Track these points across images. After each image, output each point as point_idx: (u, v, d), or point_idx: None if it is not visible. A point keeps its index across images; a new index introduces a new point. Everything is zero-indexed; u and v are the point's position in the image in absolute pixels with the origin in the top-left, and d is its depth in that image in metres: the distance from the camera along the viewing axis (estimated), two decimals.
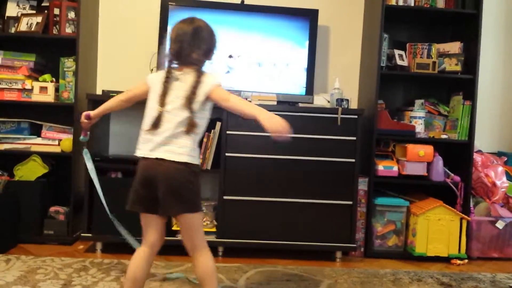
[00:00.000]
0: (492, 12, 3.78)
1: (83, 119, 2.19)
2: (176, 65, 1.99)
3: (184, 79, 1.95)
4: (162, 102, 1.91)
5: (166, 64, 2.01)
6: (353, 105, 3.63)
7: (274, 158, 3.02)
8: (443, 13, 3.43)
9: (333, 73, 3.66)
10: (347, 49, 3.72)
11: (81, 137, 2.27)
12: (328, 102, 3.32)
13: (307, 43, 3.39)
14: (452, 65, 3.35)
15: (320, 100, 3.34)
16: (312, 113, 3.04)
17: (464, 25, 3.46)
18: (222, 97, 1.94)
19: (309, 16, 3.39)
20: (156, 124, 1.89)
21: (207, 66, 2.02)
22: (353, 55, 3.72)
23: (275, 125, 1.83)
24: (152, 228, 2.00)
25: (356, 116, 3.06)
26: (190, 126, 1.90)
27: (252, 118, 1.92)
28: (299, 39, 3.39)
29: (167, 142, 1.88)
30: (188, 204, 1.92)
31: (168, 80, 1.94)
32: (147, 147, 1.90)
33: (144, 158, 1.91)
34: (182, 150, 1.88)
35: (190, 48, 1.95)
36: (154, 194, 1.90)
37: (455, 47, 3.43)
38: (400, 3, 3.33)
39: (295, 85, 3.39)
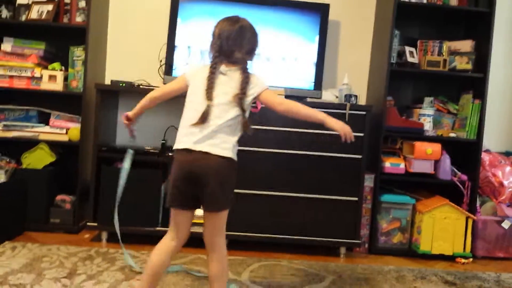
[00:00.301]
0: (505, 11, 3.73)
1: (124, 120, 2.18)
2: (219, 61, 1.96)
3: (231, 75, 1.94)
4: (210, 96, 1.89)
5: (210, 59, 1.99)
6: (362, 101, 3.61)
7: (281, 152, 3.02)
8: (455, 10, 3.40)
9: (342, 69, 3.64)
10: (357, 44, 3.70)
11: (130, 138, 2.27)
12: (337, 97, 3.31)
13: (317, 37, 3.36)
14: (463, 63, 3.32)
15: (328, 96, 3.33)
16: (320, 108, 2.99)
17: (477, 23, 3.43)
18: (276, 100, 1.98)
19: (320, 11, 3.36)
20: (204, 118, 1.86)
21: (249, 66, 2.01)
22: (363, 50, 3.70)
23: (342, 126, 1.98)
24: (184, 224, 1.97)
25: (364, 113, 3.05)
26: (244, 126, 1.93)
27: (313, 121, 2.00)
28: (309, 33, 3.37)
29: (213, 136, 1.86)
30: (227, 201, 1.93)
31: (214, 75, 1.93)
32: (191, 139, 1.86)
33: (186, 150, 1.86)
34: (227, 146, 1.88)
35: (233, 46, 1.95)
36: (196, 189, 1.87)
37: (466, 45, 3.40)
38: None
39: (304, 80, 3.37)
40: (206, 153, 1.84)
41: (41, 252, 2.71)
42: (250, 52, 2.01)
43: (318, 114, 2.00)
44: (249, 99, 1.93)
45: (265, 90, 1.98)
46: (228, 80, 1.93)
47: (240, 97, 1.90)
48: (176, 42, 3.29)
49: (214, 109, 1.87)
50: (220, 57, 1.96)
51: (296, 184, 3.04)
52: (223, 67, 1.95)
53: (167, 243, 1.97)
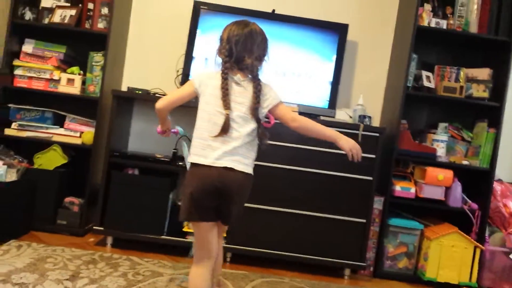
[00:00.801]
0: None
1: (161, 135, 2.20)
2: (229, 67, 1.91)
3: (245, 85, 1.91)
4: (228, 107, 1.84)
5: (219, 65, 1.93)
6: (376, 122, 3.60)
7: (290, 168, 3.01)
8: (475, 38, 3.38)
9: (358, 89, 3.64)
10: (374, 65, 3.70)
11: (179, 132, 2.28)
12: (350, 117, 3.31)
13: (334, 57, 3.37)
14: (479, 91, 3.30)
15: (342, 115, 3.33)
16: (333, 127, 3.01)
17: (495, 51, 3.41)
18: (289, 116, 1.95)
19: (339, 31, 3.38)
20: (225, 130, 1.82)
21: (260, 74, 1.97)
22: (379, 72, 3.69)
23: (352, 146, 1.95)
24: (214, 237, 1.93)
25: (377, 134, 3.04)
26: (262, 137, 1.91)
27: (326, 139, 1.98)
28: (326, 52, 3.38)
29: (234, 152, 1.83)
30: (241, 213, 1.94)
31: (227, 84, 1.88)
32: (212, 155, 1.82)
33: (207, 166, 1.82)
34: (248, 161, 1.88)
35: (243, 52, 1.90)
36: (216, 203, 1.85)
37: (484, 73, 3.37)
38: (433, 24, 3.28)
39: (318, 98, 3.37)
40: (230, 169, 1.82)
41: (45, 253, 2.72)
42: (261, 58, 1.96)
43: (330, 132, 1.98)
44: (264, 111, 1.91)
45: (280, 104, 1.95)
46: (243, 91, 1.89)
47: (255, 108, 1.87)
48: (194, 53, 3.31)
49: (233, 121, 1.84)
50: (230, 62, 1.90)
51: (304, 201, 3.03)
52: (237, 77, 1.90)
53: (204, 268, 1.90)
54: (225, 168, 1.81)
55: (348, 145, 1.95)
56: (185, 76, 3.29)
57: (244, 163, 1.85)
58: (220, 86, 1.87)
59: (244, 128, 1.86)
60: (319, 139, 2.00)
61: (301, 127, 1.96)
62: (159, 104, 2.01)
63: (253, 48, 1.92)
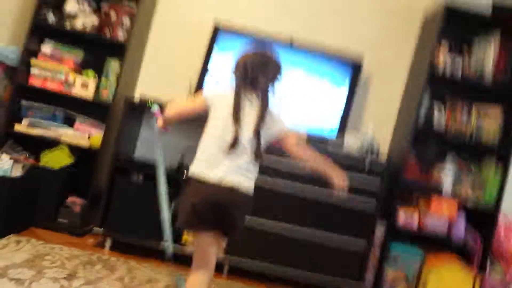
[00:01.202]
0: None
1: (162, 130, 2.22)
2: (243, 85, 1.95)
3: (256, 104, 1.93)
4: (238, 123, 1.88)
5: (233, 84, 1.98)
6: (384, 148, 3.58)
7: (294, 185, 3.01)
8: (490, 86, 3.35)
9: (368, 117, 3.64)
10: (386, 97, 3.68)
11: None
12: (359, 144, 3.29)
13: (347, 85, 3.37)
14: (490, 129, 3.32)
15: (351, 139, 3.30)
16: (340, 162, 2.99)
17: (507, 90, 3.38)
18: (292, 149, 2.01)
19: (354, 62, 3.37)
20: (233, 146, 1.85)
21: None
22: (391, 103, 3.68)
23: (343, 184, 2.02)
24: (214, 249, 1.95)
25: (384, 164, 3.08)
26: (258, 156, 1.92)
27: (320, 172, 2.04)
28: (339, 80, 3.37)
29: (241, 168, 1.86)
30: (242, 226, 1.96)
31: (239, 103, 1.91)
32: (218, 171, 1.84)
33: (212, 183, 1.84)
34: (252, 178, 1.92)
35: (257, 73, 1.94)
36: (216, 216, 1.86)
37: (495, 110, 3.38)
38: (448, 65, 3.31)
39: (328, 125, 3.37)
40: (234, 187, 1.84)
41: (44, 250, 2.71)
42: (274, 79, 1.99)
43: (326, 168, 2.06)
44: (268, 132, 1.94)
45: (285, 132, 2.00)
46: (253, 109, 1.92)
47: (260, 130, 1.90)
48: (209, 70, 3.32)
49: (242, 138, 1.87)
50: (244, 81, 1.95)
51: (307, 218, 3.02)
52: (250, 95, 1.94)
53: (203, 278, 1.92)
54: (229, 186, 1.83)
55: (340, 181, 2.03)
56: (197, 89, 3.30)
57: (249, 180, 1.88)
58: (232, 103, 1.91)
59: (250, 146, 1.88)
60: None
61: (299, 159, 2.05)
62: (169, 113, 2.09)
63: (267, 69, 1.97)
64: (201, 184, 1.85)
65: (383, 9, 3.70)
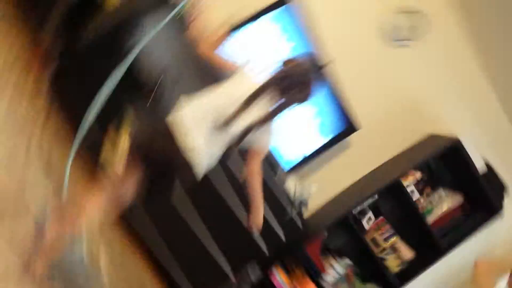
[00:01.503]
0: None
1: None
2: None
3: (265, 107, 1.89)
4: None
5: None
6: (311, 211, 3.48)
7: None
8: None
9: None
10: None
11: None
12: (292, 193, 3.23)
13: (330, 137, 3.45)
14: (394, 263, 3.50)
15: (291, 183, 3.29)
16: None
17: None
18: (255, 166, 1.94)
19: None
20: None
21: None
22: None
23: (259, 222, 1.98)
24: None
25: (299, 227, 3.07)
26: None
27: (249, 197, 1.97)
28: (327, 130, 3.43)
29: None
30: None
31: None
32: None
33: None
34: None
35: (296, 86, 1.89)
36: None
37: (409, 252, 3.52)
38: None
39: (291, 155, 3.41)
40: None
41: None
42: (300, 100, 1.95)
43: (257, 200, 1.98)
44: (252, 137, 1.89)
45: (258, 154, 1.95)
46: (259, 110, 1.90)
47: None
48: None
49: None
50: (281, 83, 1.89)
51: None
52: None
53: None
54: None
55: (257, 218, 1.99)
56: None
57: None
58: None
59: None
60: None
61: (248, 179, 1.96)
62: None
63: (304, 89, 1.93)
64: None
65: None
